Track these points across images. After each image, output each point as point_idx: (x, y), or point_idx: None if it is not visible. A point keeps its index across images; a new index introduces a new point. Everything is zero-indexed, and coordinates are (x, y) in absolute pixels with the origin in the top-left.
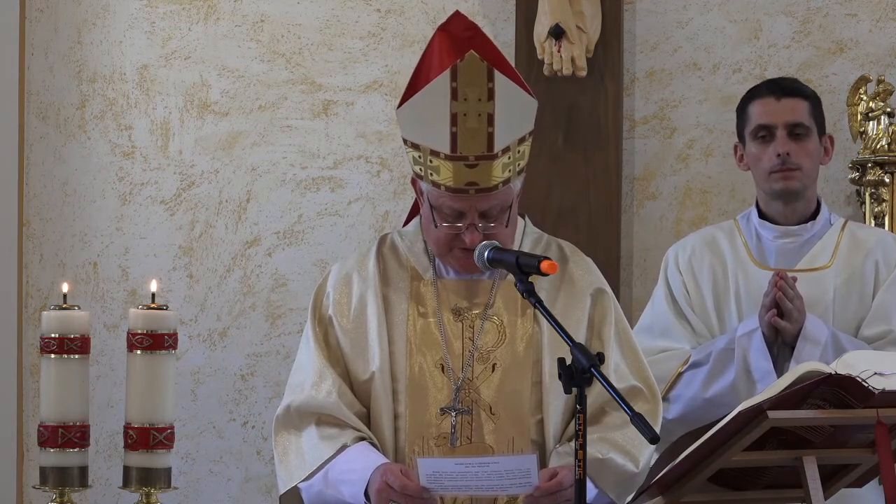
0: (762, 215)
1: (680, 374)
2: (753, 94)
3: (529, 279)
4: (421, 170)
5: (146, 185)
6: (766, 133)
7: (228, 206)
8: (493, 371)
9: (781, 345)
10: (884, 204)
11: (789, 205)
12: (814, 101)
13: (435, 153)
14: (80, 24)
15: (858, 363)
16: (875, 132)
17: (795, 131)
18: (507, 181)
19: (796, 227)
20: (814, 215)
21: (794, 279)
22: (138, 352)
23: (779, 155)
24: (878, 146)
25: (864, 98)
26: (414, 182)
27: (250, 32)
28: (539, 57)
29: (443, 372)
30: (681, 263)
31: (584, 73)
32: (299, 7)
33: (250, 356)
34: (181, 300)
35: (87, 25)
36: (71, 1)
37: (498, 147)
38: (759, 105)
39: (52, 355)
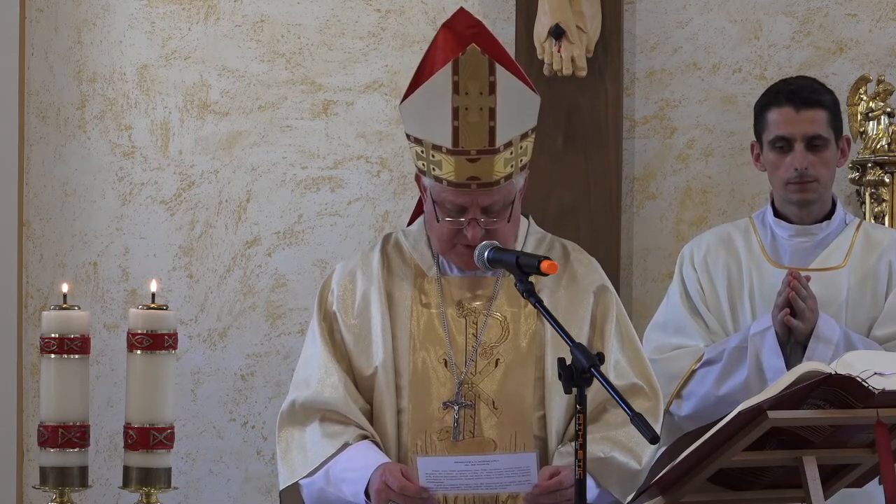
0: (777, 214)
1: (693, 372)
2: (772, 101)
3: (529, 279)
4: (423, 165)
5: (146, 185)
6: (784, 144)
7: (228, 206)
8: (495, 366)
9: (794, 344)
10: (884, 204)
11: (805, 208)
12: (833, 107)
13: (437, 147)
14: (80, 24)
15: (858, 363)
16: (875, 132)
17: (814, 143)
18: (508, 176)
19: (811, 226)
20: (829, 215)
21: (808, 278)
22: (138, 352)
23: (796, 169)
24: (878, 146)
25: (864, 98)
26: (417, 178)
27: (250, 32)
28: (539, 57)
29: (446, 367)
30: (696, 261)
31: (584, 73)
32: (299, 7)
33: (250, 356)
34: (181, 300)
35: (87, 25)
36: (71, 1)
37: (500, 141)
38: (778, 114)
39: (52, 355)
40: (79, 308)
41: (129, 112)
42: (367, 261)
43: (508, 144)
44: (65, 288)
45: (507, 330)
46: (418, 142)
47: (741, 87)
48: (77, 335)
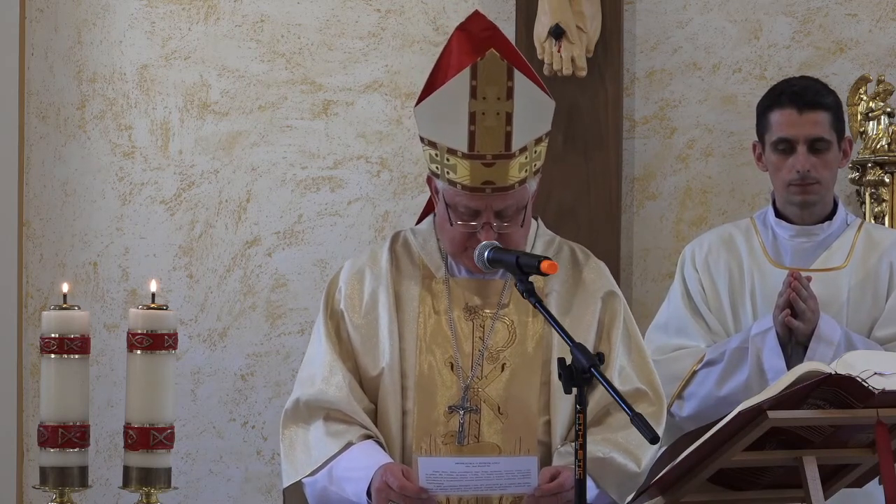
0: (778, 214)
1: (694, 373)
2: (775, 102)
3: (530, 279)
4: (437, 168)
5: (146, 185)
6: (786, 146)
7: (228, 206)
8: (502, 371)
9: (795, 344)
10: (884, 204)
11: (806, 209)
12: (835, 109)
13: (452, 151)
14: (80, 24)
15: (858, 363)
16: (875, 132)
17: (816, 145)
18: (523, 181)
19: (813, 226)
20: (830, 215)
21: (809, 279)
22: (138, 352)
23: (798, 171)
24: (878, 146)
25: (864, 98)
26: (429, 180)
27: (250, 32)
28: (539, 57)
29: (452, 370)
30: (697, 261)
31: (584, 73)
32: (299, 7)
33: (250, 356)
34: (181, 300)
35: (87, 25)
36: (71, 1)
37: (515, 146)
38: (781, 116)
39: (52, 355)
40: (79, 308)
41: (129, 112)
42: (375, 259)
43: (524, 149)
44: (65, 288)
45: (514, 334)
46: (432, 145)
47: (741, 87)
48: (77, 335)
